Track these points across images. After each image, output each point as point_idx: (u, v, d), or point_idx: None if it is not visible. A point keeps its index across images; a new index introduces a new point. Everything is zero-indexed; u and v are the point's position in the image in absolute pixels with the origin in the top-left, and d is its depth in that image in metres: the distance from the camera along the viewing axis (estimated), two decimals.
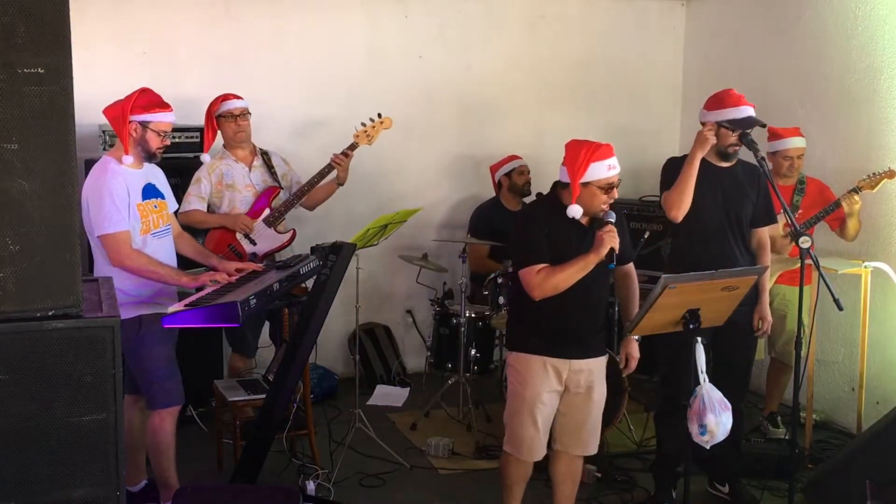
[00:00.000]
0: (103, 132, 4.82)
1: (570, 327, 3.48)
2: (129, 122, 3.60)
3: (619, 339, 5.38)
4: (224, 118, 4.73)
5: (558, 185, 3.60)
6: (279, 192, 4.84)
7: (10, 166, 2.09)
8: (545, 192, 5.74)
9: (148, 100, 3.65)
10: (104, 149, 4.79)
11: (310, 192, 4.85)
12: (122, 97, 3.69)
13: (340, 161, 4.83)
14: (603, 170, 3.36)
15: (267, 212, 4.76)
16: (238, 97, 4.78)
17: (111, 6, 5.34)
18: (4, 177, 2.09)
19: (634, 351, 3.63)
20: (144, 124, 3.63)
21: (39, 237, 2.14)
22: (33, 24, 2.08)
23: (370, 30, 6.00)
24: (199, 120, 5.19)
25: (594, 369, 3.55)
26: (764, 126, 3.88)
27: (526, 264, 3.42)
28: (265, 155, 4.91)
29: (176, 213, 4.10)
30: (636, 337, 3.60)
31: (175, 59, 5.51)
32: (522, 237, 3.51)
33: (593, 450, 3.63)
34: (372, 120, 4.90)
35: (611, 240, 3.31)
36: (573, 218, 3.42)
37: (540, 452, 3.54)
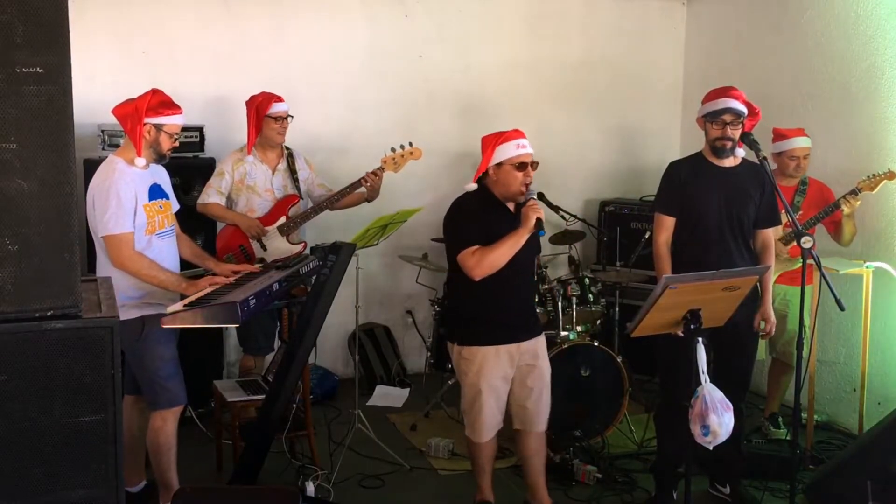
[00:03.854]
0: (102, 132, 4.82)
1: (512, 312, 3.75)
2: (144, 123, 3.60)
3: (620, 339, 5.39)
4: (272, 119, 4.77)
5: (482, 178, 3.82)
6: (298, 202, 4.85)
7: (8, 166, 2.08)
8: (544, 192, 5.75)
9: (161, 102, 3.65)
10: (103, 148, 4.79)
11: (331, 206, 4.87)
12: (130, 97, 3.69)
13: (371, 180, 4.80)
14: (511, 148, 3.64)
15: (283, 220, 4.77)
16: (283, 99, 4.83)
17: (111, 5, 5.33)
18: (3, 177, 2.08)
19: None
20: (159, 127, 3.63)
21: (38, 237, 2.13)
22: (32, 24, 2.07)
23: (370, 29, 6.00)
24: (199, 119, 5.20)
25: (539, 347, 3.83)
26: (739, 114, 3.85)
27: (461, 248, 3.64)
28: (290, 158, 4.92)
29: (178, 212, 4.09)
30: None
31: (174, 58, 5.50)
32: (453, 226, 3.76)
33: (545, 425, 3.89)
34: (402, 147, 4.85)
35: (535, 211, 3.56)
36: (496, 198, 3.68)
37: (496, 429, 3.82)
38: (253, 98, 4.83)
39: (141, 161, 3.64)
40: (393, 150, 4.85)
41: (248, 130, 4.83)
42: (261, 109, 4.77)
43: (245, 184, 4.79)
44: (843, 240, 4.74)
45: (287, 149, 4.95)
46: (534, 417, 3.84)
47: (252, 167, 4.81)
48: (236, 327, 4.93)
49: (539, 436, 3.89)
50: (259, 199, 4.80)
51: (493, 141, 3.69)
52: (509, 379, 3.78)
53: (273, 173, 4.85)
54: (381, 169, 4.85)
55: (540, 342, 3.86)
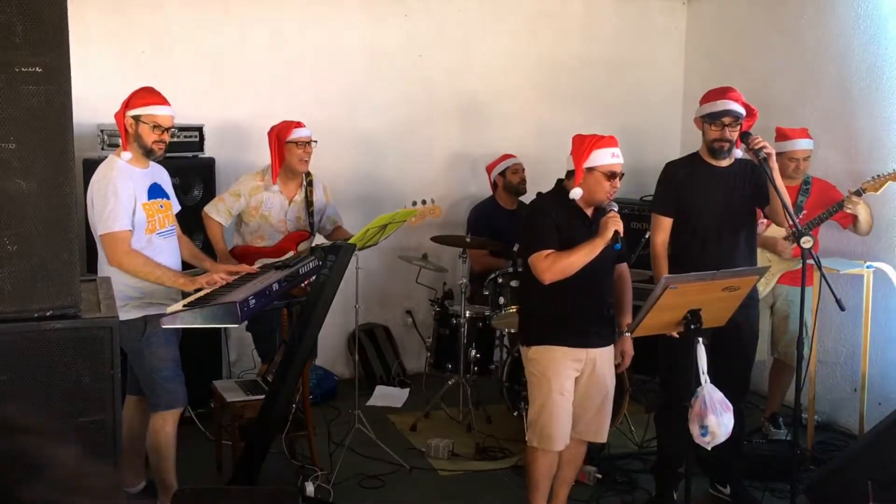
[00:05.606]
0: (101, 131, 4.81)
1: (583, 317, 3.64)
2: (125, 117, 3.63)
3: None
4: (295, 145, 4.65)
5: (563, 179, 3.75)
6: (309, 238, 4.80)
7: (7, 166, 2.08)
8: (544, 192, 5.75)
9: (142, 94, 3.66)
10: (102, 148, 4.78)
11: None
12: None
13: None
14: (606, 156, 3.55)
15: (291, 254, 4.72)
16: (303, 125, 4.72)
17: (110, 5, 5.32)
18: (2, 176, 2.08)
19: (629, 348, 3.81)
20: (137, 118, 3.63)
21: (37, 237, 2.12)
22: (31, 24, 2.07)
23: (370, 29, 5.99)
24: (198, 119, 5.19)
25: (606, 357, 3.72)
26: (738, 116, 3.84)
27: (535, 250, 3.56)
28: (309, 187, 4.81)
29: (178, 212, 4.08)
30: (629, 334, 3.76)
31: (174, 58, 5.49)
32: (531, 226, 3.68)
33: (605, 437, 3.81)
34: (423, 202, 4.77)
35: (615, 223, 3.47)
36: (574, 201, 3.59)
37: (567, 440, 3.66)
38: (273, 127, 4.73)
39: (126, 155, 3.64)
40: (414, 203, 4.78)
41: (271, 160, 4.71)
42: (282, 136, 4.66)
43: (260, 212, 4.70)
44: (860, 231, 4.70)
45: (308, 175, 4.83)
46: (589, 427, 3.74)
47: (270, 197, 4.70)
48: (254, 343, 4.94)
49: (581, 445, 3.80)
50: (270, 229, 4.72)
51: (590, 142, 3.58)
52: (573, 385, 3.67)
53: (290, 204, 4.76)
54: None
55: (606, 353, 3.73)
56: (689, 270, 3.46)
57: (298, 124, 4.71)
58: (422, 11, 6.10)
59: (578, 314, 3.63)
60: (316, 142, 4.77)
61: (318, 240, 4.93)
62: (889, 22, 4.99)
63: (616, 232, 3.45)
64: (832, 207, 4.59)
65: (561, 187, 3.72)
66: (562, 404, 3.61)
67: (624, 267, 3.87)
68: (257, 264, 4.67)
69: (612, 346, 3.77)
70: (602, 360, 3.70)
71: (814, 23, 5.50)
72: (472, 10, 6.23)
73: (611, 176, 3.55)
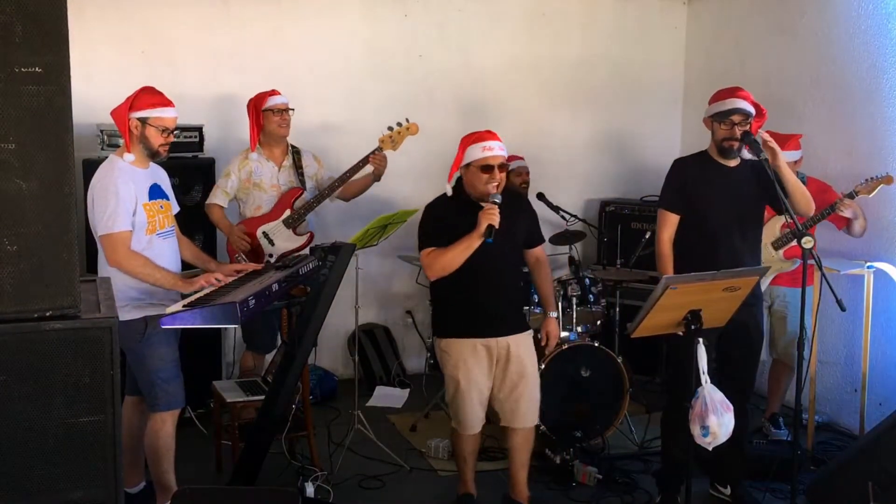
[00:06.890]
0: (101, 131, 4.81)
1: (488, 307, 3.77)
2: (129, 119, 3.60)
3: (621, 340, 5.38)
4: (271, 112, 4.80)
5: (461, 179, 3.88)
6: (302, 194, 4.87)
7: (7, 166, 2.07)
8: (545, 193, 5.76)
9: (147, 96, 3.65)
10: (102, 148, 4.79)
11: (340, 188, 4.90)
12: (127, 97, 3.69)
13: (373, 161, 4.78)
14: (477, 150, 3.67)
15: (287, 213, 4.79)
16: (279, 92, 4.86)
17: (110, 5, 5.32)
18: (2, 176, 2.07)
19: (554, 328, 3.95)
20: (143, 120, 3.62)
21: (37, 237, 2.12)
22: (31, 23, 2.06)
23: (370, 29, 5.99)
24: (199, 119, 5.19)
25: (521, 344, 3.83)
26: (747, 115, 3.82)
27: (421, 247, 3.77)
28: (296, 154, 4.96)
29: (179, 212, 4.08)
30: (555, 315, 3.96)
31: (174, 58, 5.49)
32: (422, 224, 3.83)
33: (535, 420, 3.90)
34: (399, 125, 4.85)
35: (488, 217, 3.54)
36: (471, 198, 3.70)
37: (480, 425, 3.88)
38: (250, 99, 4.86)
39: (129, 157, 3.64)
40: (390, 128, 4.85)
41: (250, 129, 4.85)
42: (258, 104, 4.82)
43: (252, 181, 4.82)
44: (854, 233, 4.71)
45: (293, 147, 4.97)
46: (513, 414, 3.86)
47: (258, 164, 4.83)
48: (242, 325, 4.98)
49: (521, 432, 3.90)
50: (266, 196, 4.83)
51: (465, 141, 3.75)
52: (490, 373, 3.82)
53: (279, 170, 4.87)
54: (380, 149, 4.86)
55: (520, 339, 3.85)
56: (697, 269, 3.45)
57: (273, 92, 4.85)
58: (422, 12, 6.10)
59: (482, 305, 3.76)
60: (293, 109, 4.90)
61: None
62: (890, 21, 4.99)
63: (490, 226, 3.52)
64: (825, 210, 4.58)
65: (458, 186, 3.82)
66: (470, 395, 3.78)
67: (538, 251, 3.97)
68: (259, 232, 4.73)
69: (527, 331, 3.89)
70: (516, 347, 3.81)
71: (814, 23, 5.50)
72: (471, 11, 6.23)
73: (485, 169, 3.65)
